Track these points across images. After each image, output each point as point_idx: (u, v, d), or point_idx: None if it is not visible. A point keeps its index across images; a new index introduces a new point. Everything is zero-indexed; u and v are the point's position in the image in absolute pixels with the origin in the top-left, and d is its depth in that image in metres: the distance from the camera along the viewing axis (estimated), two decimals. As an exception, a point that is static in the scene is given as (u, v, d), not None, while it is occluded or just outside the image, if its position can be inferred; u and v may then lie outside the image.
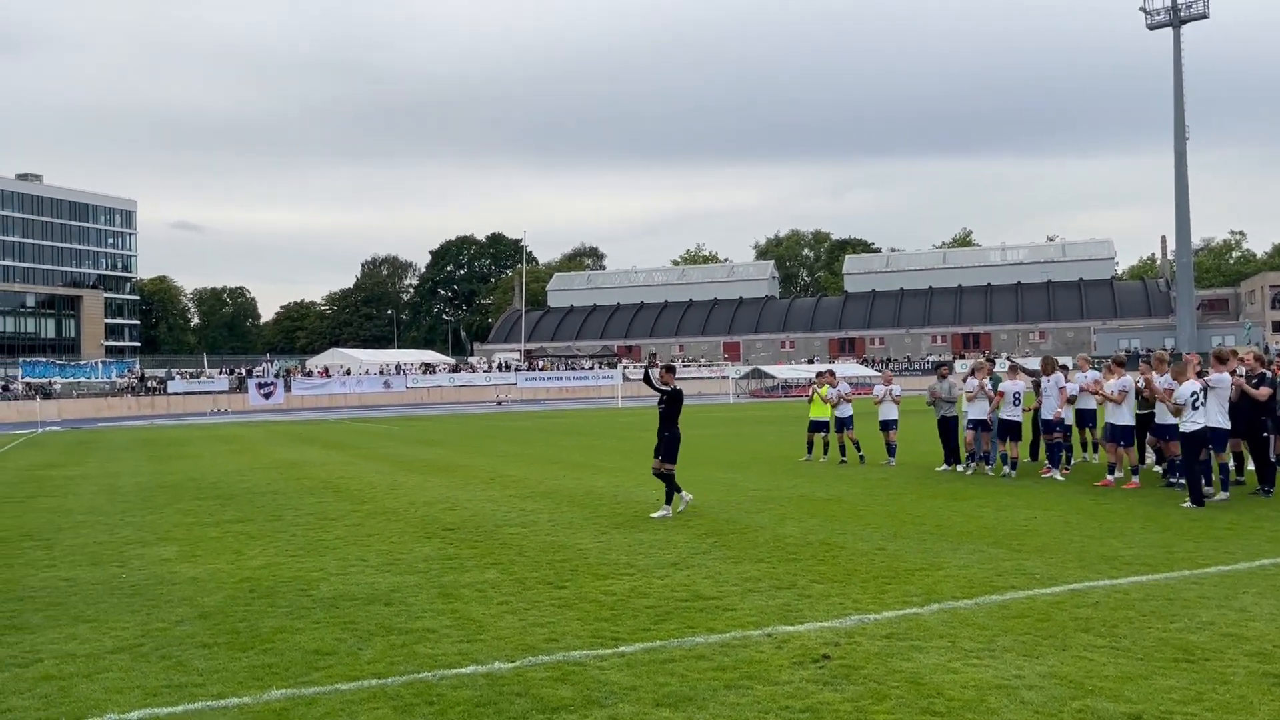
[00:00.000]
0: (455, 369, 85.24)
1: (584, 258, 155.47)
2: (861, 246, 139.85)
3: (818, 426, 19.75)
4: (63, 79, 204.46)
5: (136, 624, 7.66)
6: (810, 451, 19.97)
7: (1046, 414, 16.18)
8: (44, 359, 79.17)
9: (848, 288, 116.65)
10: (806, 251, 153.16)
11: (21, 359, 77.84)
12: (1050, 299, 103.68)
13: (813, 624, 7.13)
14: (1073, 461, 17.19)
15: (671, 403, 12.70)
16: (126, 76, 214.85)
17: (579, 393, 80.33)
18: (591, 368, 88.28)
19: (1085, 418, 17.28)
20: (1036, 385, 16.85)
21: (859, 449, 19.13)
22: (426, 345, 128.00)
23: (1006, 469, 16.30)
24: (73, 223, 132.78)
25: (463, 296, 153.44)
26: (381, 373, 79.60)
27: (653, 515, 12.56)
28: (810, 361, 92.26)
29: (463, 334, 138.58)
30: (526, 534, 11.54)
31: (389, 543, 11.16)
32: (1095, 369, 17.37)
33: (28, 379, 67.05)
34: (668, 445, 12.64)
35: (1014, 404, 16.36)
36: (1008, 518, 11.93)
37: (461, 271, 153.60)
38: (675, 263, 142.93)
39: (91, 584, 9.28)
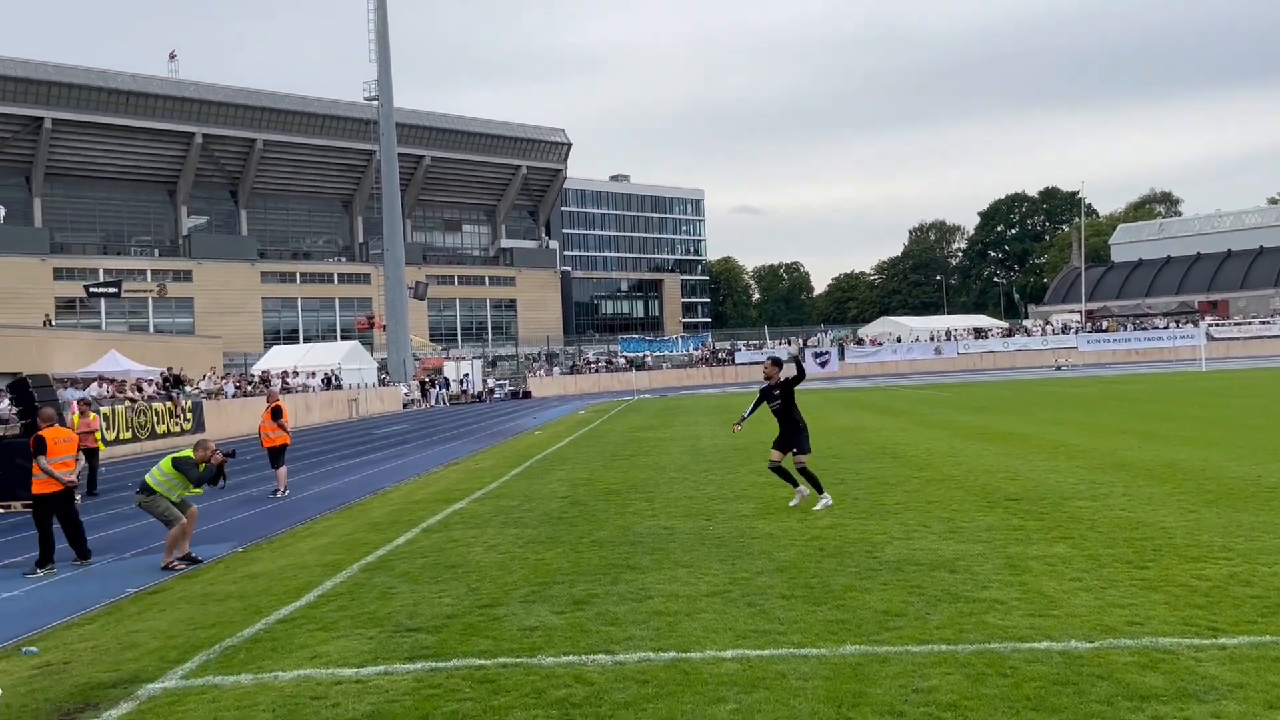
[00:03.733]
0: (1009, 333, 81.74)
1: (1154, 205, 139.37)
2: None
3: None
4: (638, 89, 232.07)
5: (724, 572, 8.55)
6: None
7: None
8: (636, 335, 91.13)
9: None
10: None
11: (620, 336, 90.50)
12: None
13: None
14: None
15: (788, 393, 11.80)
16: (688, 80, 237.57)
17: (1151, 355, 72.54)
18: (1166, 327, 79.17)
19: None
20: None
21: None
22: (977, 310, 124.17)
23: None
24: (653, 215, 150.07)
25: (1014, 257, 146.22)
26: (932, 339, 79.04)
27: (816, 509, 11.42)
28: None
29: (1015, 296, 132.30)
30: (1098, 508, 10.78)
31: (950, 510, 11.13)
32: None
33: (625, 354, 77.53)
34: (804, 436, 11.79)
35: None
36: None
37: (1013, 231, 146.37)
38: (1273, 201, 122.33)
39: (686, 533, 10.52)
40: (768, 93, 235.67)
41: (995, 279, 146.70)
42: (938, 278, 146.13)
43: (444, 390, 63.62)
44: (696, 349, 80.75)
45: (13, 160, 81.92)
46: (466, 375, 68.53)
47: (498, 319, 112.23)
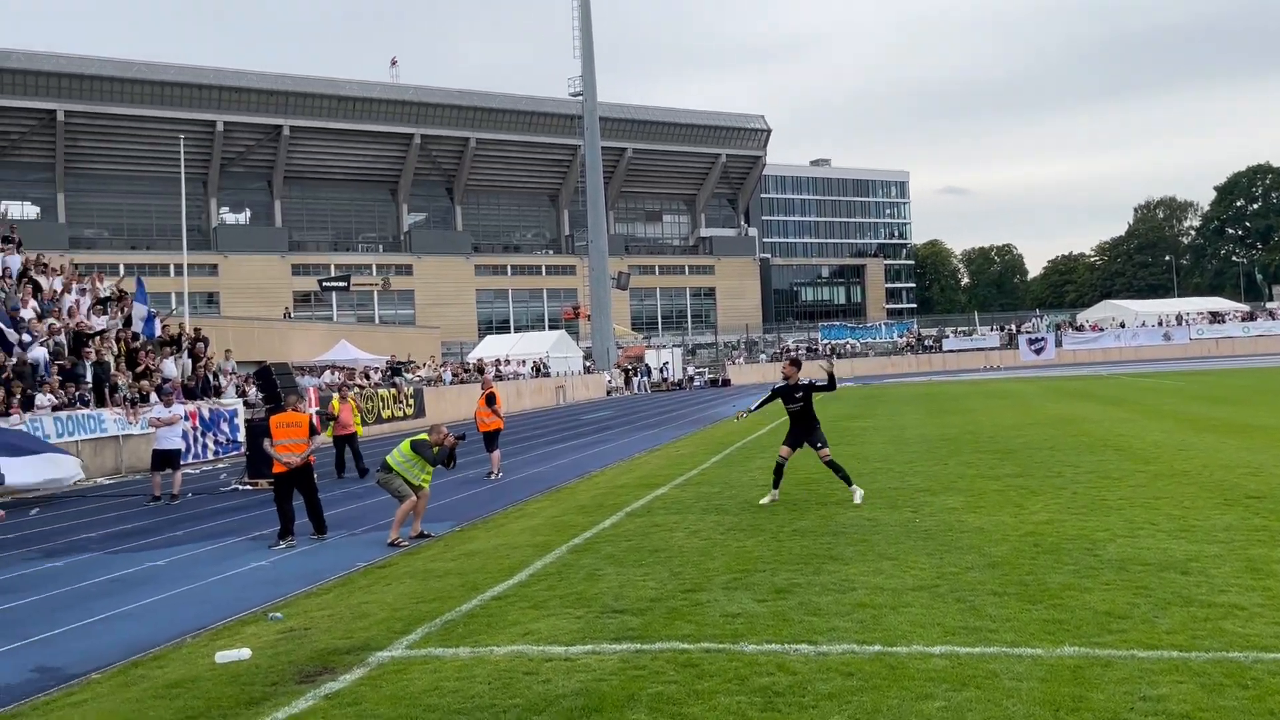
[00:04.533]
0: (1250, 316, 75.01)
1: None
2: None
3: None
4: (839, 72, 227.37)
5: (931, 566, 8.31)
6: None
7: None
8: (837, 323, 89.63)
9: None
10: None
11: (820, 323, 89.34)
12: None
13: None
14: None
15: (810, 397, 12.26)
16: (889, 61, 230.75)
17: None
18: None
19: None
20: None
21: None
22: (1212, 292, 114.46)
23: None
24: (855, 199, 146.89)
25: (1257, 234, 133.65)
26: (1160, 324, 73.59)
27: (856, 500, 11.74)
28: None
29: (1258, 277, 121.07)
30: (1358, 510, 9.77)
31: (1180, 507, 10.37)
32: None
33: (826, 341, 76.42)
34: (819, 431, 12.31)
35: None
36: None
37: (1255, 206, 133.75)
38: None
39: (890, 525, 10.28)
40: (974, 69, 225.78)
41: (1234, 258, 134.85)
42: (1166, 258, 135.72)
43: (645, 378, 64.72)
44: (900, 336, 78.51)
45: (256, 166, 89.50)
46: (667, 363, 69.44)
47: (697, 307, 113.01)
